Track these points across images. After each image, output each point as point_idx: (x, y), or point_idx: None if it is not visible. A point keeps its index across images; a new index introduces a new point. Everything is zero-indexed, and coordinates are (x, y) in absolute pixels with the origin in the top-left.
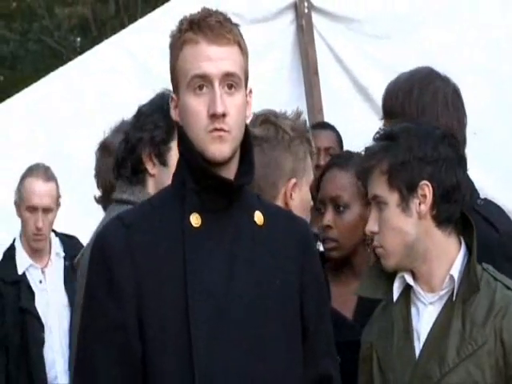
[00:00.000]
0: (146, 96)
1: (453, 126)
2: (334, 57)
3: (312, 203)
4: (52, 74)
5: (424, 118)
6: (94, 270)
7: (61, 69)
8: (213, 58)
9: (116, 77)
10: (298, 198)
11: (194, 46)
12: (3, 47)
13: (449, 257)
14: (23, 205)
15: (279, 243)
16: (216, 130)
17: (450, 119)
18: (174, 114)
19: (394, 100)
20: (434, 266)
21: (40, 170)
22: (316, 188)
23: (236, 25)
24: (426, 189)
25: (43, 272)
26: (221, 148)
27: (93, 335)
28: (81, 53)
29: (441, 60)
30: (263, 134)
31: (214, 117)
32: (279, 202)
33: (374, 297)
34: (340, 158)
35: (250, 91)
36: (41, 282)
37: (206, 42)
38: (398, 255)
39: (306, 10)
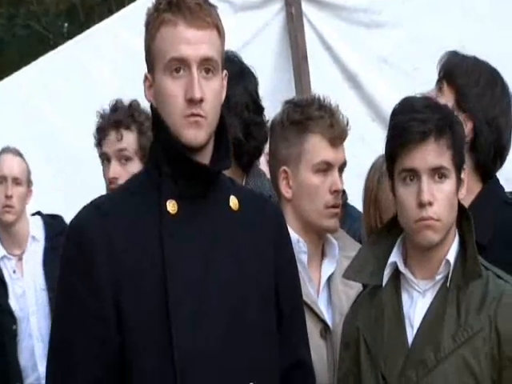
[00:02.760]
0: (133, 80)
1: (507, 144)
2: (323, 44)
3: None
4: (40, 60)
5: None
6: (70, 259)
7: (49, 54)
8: (192, 41)
9: (104, 62)
10: (295, 185)
11: (172, 28)
12: None
13: (450, 242)
14: None
15: (254, 228)
16: (193, 115)
17: (509, 138)
18: (147, 94)
19: (473, 79)
20: (442, 249)
21: (9, 149)
22: None
23: (214, 7)
24: (464, 174)
25: (21, 259)
26: (197, 133)
27: (69, 325)
28: (68, 38)
29: (429, 49)
30: (273, 123)
31: (191, 102)
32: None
33: (360, 281)
34: None
35: (226, 75)
36: (14, 272)
37: (185, 24)
38: (446, 230)
39: None
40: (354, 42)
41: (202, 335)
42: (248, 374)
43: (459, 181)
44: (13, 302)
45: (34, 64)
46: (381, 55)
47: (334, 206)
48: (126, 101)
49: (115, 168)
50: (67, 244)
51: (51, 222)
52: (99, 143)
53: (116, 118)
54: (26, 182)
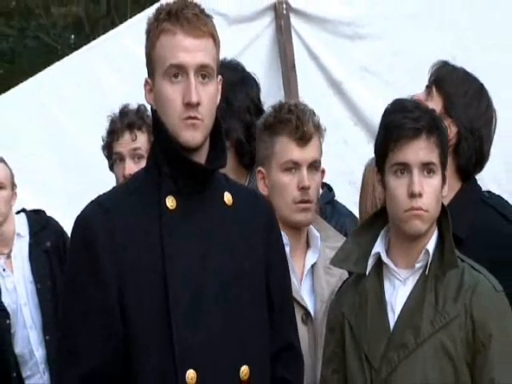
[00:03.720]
0: (138, 86)
1: (486, 154)
2: (310, 55)
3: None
4: (52, 66)
5: (477, 125)
6: (76, 254)
7: (61, 61)
8: (189, 49)
9: (111, 69)
10: (270, 184)
11: (171, 37)
12: (3, 43)
13: (430, 235)
14: None
15: (247, 222)
16: (190, 117)
17: (488, 150)
18: (148, 98)
19: (461, 91)
20: (423, 240)
21: None
22: None
23: (210, 17)
24: (446, 172)
25: (9, 257)
26: (193, 135)
27: (76, 317)
28: (75, 49)
29: (408, 61)
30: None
31: (188, 105)
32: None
33: (345, 269)
34: None
35: (220, 79)
36: (4, 270)
37: (183, 33)
38: (431, 222)
39: (285, 12)
40: (339, 53)
41: (200, 328)
42: (242, 359)
43: (444, 178)
44: (5, 298)
45: (46, 70)
46: (363, 65)
47: (301, 202)
48: (133, 105)
49: (130, 166)
50: (73, 239)
51: (34, 217)
52: (109, 145)
53: (129, 121)
54: (9, 185)
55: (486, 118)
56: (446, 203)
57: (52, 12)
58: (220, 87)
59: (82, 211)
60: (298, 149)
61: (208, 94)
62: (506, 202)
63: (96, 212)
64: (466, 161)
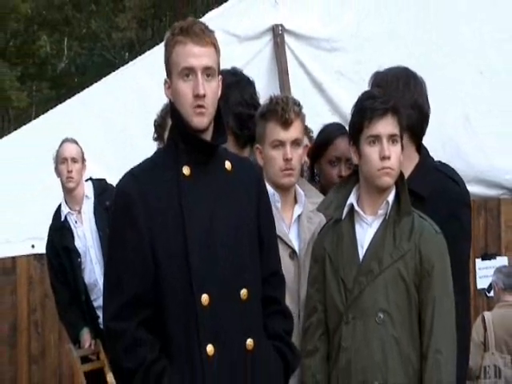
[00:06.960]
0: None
1: (428, 113)
2: (299, 63)
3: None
4: (108, 77)
5: (412, 100)
6: (117, 213)
7: (112, 74)
8: (197, 55)
9: (152, 78)
10: (264, 158)
11: (183, 46)
12: (77, 60)
13: (390, 190)
14: (59, 161)
15: (243, 183)
16: (198, 106)
17: (428, 109)
18: (167, 93)
19: (394, 87)
20: (385, 194)
21: (67, 138)
22: None
23: (213, 31)
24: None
25: (80, 212)
26: (201, 120)
27: (118, 257)
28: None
29: (372, 66)
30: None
31: (197, 97)
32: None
33: (327, 213)
34: None
35: (221, 78)
36: (76, 222)
37: (192, 43)
38: (396, 177)
39: (280, 32)
40: (320, 62)
41: (211, 266)
42: (242, 285)
43: (402, 147)
44: (77, 242)
45: (105, 80)
46: (338, 70)
47: (286, 169)
48: None
49: None
50: (114, 201)
51: (98, 184)
52: (164, 118)
53: None
54: (81, 160)
55: (417, 91)
56: (410, 171)
57: (112, 37)
58: (220, 84)
59: (119, 180)
60: (283, 131)
61: (211, 88)
62: (453, 169)
63: (129, 180)
64: (416, 128)
